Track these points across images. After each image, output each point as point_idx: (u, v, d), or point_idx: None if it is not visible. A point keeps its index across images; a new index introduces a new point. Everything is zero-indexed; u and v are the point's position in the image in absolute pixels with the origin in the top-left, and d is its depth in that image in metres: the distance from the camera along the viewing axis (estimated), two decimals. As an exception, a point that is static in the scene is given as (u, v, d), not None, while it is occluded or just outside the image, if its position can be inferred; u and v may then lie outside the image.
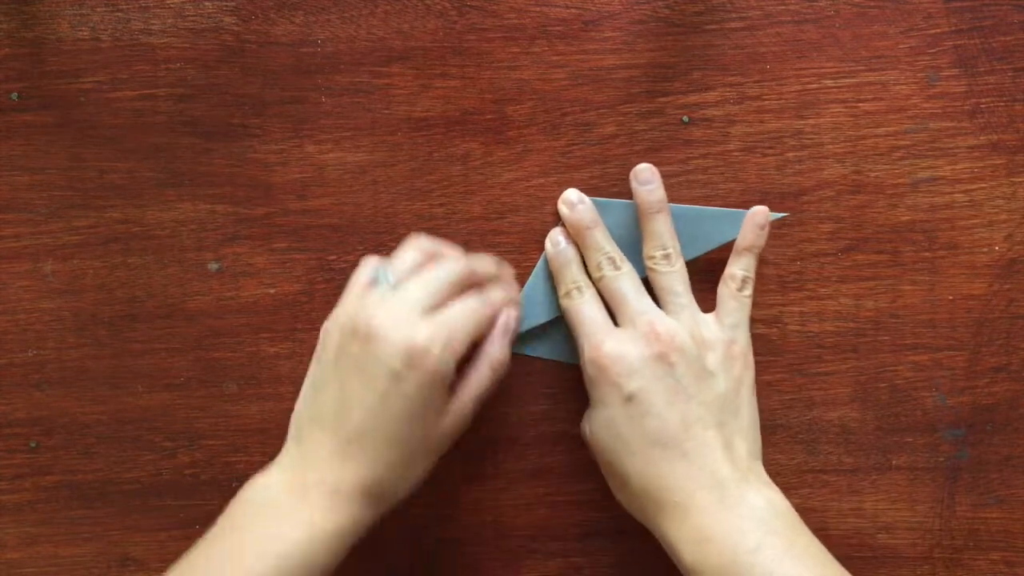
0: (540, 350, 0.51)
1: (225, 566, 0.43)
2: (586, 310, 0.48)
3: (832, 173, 0.50)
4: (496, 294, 0.47)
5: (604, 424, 0.46)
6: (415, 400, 0.43)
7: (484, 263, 0.48)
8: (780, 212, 0.50)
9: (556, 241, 0.50)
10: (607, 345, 0.46)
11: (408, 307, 0.44)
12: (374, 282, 0.46)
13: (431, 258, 0.47)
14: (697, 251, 0.50)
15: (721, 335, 0.47)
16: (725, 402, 0.46)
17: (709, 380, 0.46)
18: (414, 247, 0.47)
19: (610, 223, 0.50)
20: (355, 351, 0.44)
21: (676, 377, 0.45)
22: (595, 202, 0.50)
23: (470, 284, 0.47)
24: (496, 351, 0.47)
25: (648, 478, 0.45)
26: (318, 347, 0.47)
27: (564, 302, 0.49)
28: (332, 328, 0.46)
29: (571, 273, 0.49)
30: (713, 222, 0.49)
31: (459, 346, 0.44)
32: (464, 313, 0.45)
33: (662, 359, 0.45)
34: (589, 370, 0.46)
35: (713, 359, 0.46)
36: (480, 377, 0.46)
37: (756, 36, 0.50)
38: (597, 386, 0.46)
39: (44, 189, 0.52)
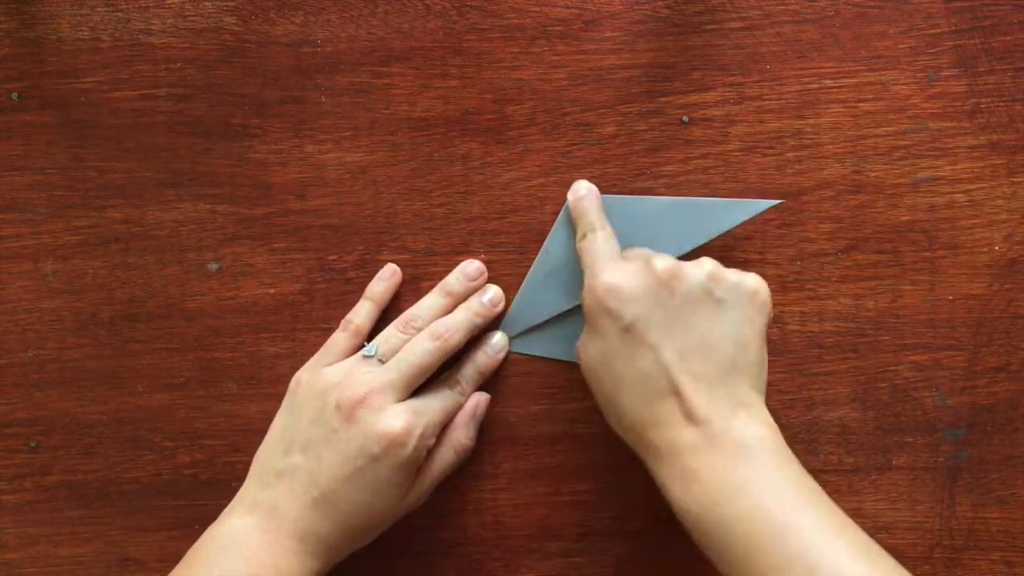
0: (539, 349, 0.51)
1: None
2: (596, 245, 0.47)
3: (832, 173, 0.50)
4: (470, 375, 0.50)
5: (599, 355, 0.44)
6: (384, 480, 0.46)
7: (464, 283, 0.50)
8: (781, 215, 0.50)
9: (576, 189, 0.49)
10: (607, 274, 0.44)
11: (391, 392, 0.47)
12: (363, 356, 0.48)
13: (418, 330, 0.49)
14: (695, 241, 0.49)
15: (734, 273, 0.45)
16: (732, 333, 0.43)
17: (716, 308, 0.43)
18: (402, 327, 0.49)
19: (614, 219, 0.50)
20: (334, 424, 0.46)
21: (677, 304, 0.43)
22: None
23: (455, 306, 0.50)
24: (462, 437, 0.50)
25: (640, 414, 0.43)
26: (289, 398, 0.49)
27: (579, 244, 0.48)
28: (311, 388, 0.48)
29: (589, 217, 0.48)
30: (709, 212, 0.49)
31: (432, 438, 0.48)
32: (440, 405, 0.49)
33: (663, 285, 0.43)
34: (587, 299, 0.45)
35: (722, 289, 0.44)
36: (444, 461, 0.49)
37: (756, 36, 0.50)
38: (594, 316, 0.44)
39: (44, 189, 0.52)
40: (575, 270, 0.50)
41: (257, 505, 0.46)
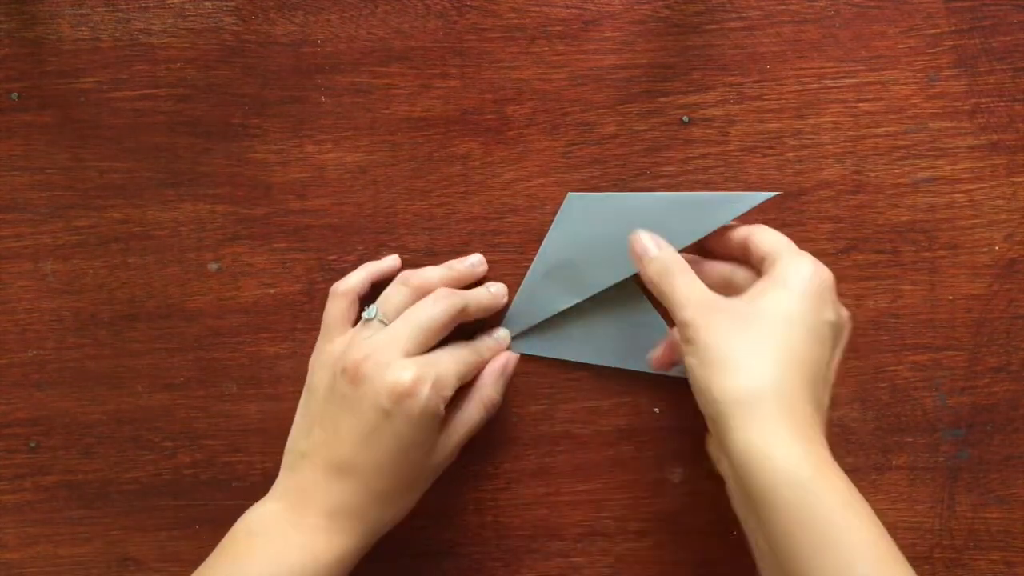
0: (539, 349, 0.51)
1: None
2: (778, 237, 0.46)
3: (832, 173, 0.50)
4: (487, 343, 0.50)
5: (785, 311, 0.42)
6: (404, 437, 0.44)
7: (467, 269, 0.50)
8: (781, 215, 0.50)
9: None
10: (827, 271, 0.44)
11: (397, 348, 0.45)
12: (364, 321, 0.47)
13: (419, 293, 0.48)
14: (695, 236, 0.49)
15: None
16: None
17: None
18: (402, 282, 0.48)
19: (613, 216, 0.50)
20: (345, 390, 0.45)
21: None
22: (597, 197, 0.50)
23: (459, 309, 0.48)
24: (490, 391, 0.49)
25: (796, 382, 0.41)
26: (308, 380, 0.48)
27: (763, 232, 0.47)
28: (321, 365, 0.47)
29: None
30: (708, 206, 0.49)
31: (447, 389, 0.45)
32: (453, 357, 0.47)
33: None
34: (816, 274, 0.44)
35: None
36: (471, 416, 0.48)
37: (756, 36, 0.50)
38: (815, 292, 0.43)
39: (44, 189, 0.52)
40: (574, 270, 0.50)
41: (286, 489, 0.46)
